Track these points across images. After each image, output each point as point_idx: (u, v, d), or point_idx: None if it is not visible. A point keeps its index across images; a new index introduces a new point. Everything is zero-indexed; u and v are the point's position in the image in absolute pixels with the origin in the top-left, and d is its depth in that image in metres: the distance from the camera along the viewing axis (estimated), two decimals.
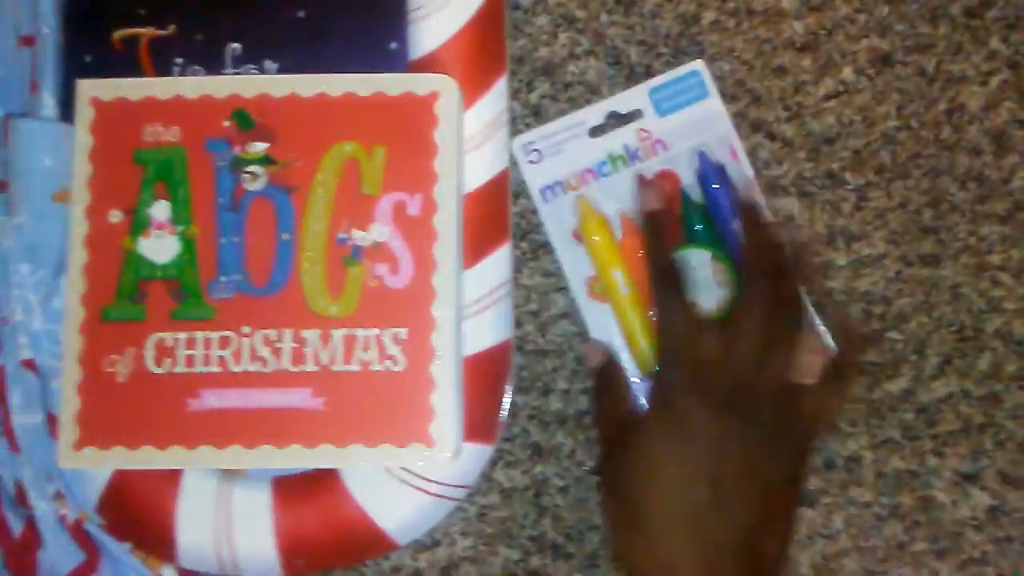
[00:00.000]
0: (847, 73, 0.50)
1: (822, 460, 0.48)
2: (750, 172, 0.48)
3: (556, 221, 0.49)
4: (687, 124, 0.49)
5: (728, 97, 0.49)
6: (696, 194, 0.48)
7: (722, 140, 0.48)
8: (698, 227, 0.47)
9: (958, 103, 0.50)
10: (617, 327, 0.48)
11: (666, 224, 0.46)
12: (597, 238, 0.47)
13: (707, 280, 0.46)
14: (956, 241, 0.49)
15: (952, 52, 0.50)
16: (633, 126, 0.49)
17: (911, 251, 0.49)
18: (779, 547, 0.42)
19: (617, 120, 0.49)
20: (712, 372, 0.42)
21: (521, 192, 0.49)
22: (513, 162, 0.49)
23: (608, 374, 0.47)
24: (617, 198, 0.49)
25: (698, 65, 0.49)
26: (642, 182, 0.48)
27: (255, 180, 0.46)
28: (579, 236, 0.48)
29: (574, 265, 0.48)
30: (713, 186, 0.47)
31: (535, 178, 0.49)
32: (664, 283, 0.45)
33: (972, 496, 0.48)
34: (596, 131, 0.49)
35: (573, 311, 0.48)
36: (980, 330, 0.49)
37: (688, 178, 0.48)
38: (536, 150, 0.49)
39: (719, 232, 0.47)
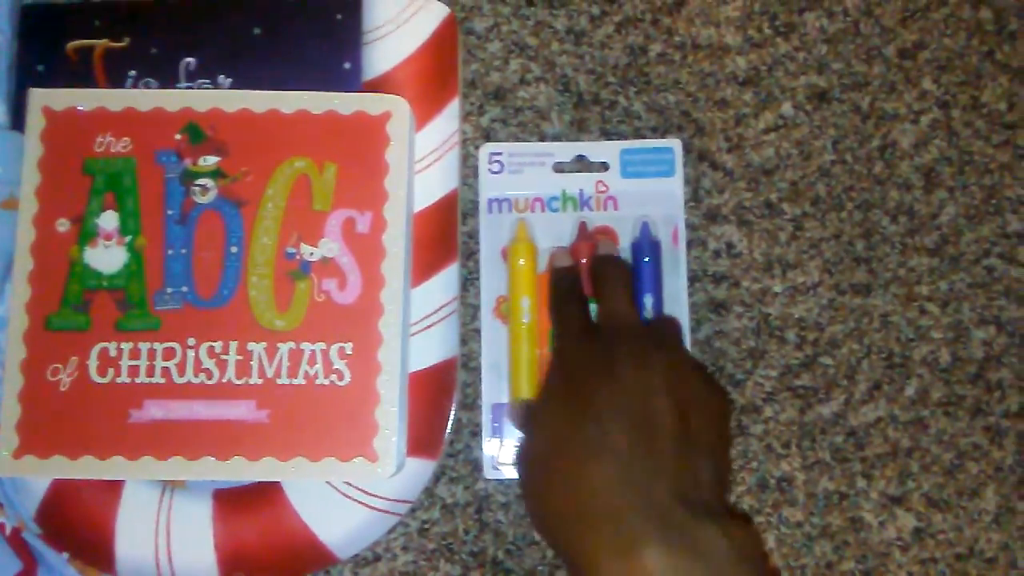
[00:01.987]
0: (786, 108, 0.52)
1: (755, 480, 0.50)
2: (684, 259, 0.50)
3: (491, 234, 0.50)
4: (644, 193, 0.50)
5: (674, 128, 0.51)
6: (626, 259, 0.50)
7: (669, 219, 0.50)
8: None
9: (890, 139, 0.52)
10: (507, 350, 0.49)
11: (572, 278, 0.48)
12: (522, 262, 0.49)
13: None
14: (886, 271, 0.51)
15: (886, 91, 0.52)
16: (595, 176, 0.50)
17: (844, 280, 0.51)
18: (713, 476, 0.41)
19: (583, 165, 0.50)
20: (593, 329, 0.45)
21: (469, 212, 0.50)
22: (465, 178, 0.50)
23: (524, 405, 0.48)
24: (555, 236, 0.50)
25: (675, 143, 0.50)
26: (582, 232, 0.50)
27: (205, 193, 0.46)
28: (506, 255, 0.50)
29: (491, 280, 0.50)
30: (644, 259, 0.49)
31: (488, 188, 0.50)
32: (567, 293, 0.47)
33: (899, 518, 0.50)
34: (560, 166, 0.50)
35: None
36: (908, 357, 0.51)
37: (625, 243, 0.50)
38: (499, 162, 0.50)
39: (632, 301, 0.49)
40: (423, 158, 0.49)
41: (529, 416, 0.44)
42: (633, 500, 0.38)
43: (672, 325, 0.47)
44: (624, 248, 0.50)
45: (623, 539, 0.37)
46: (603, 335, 0.44)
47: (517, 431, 0.48)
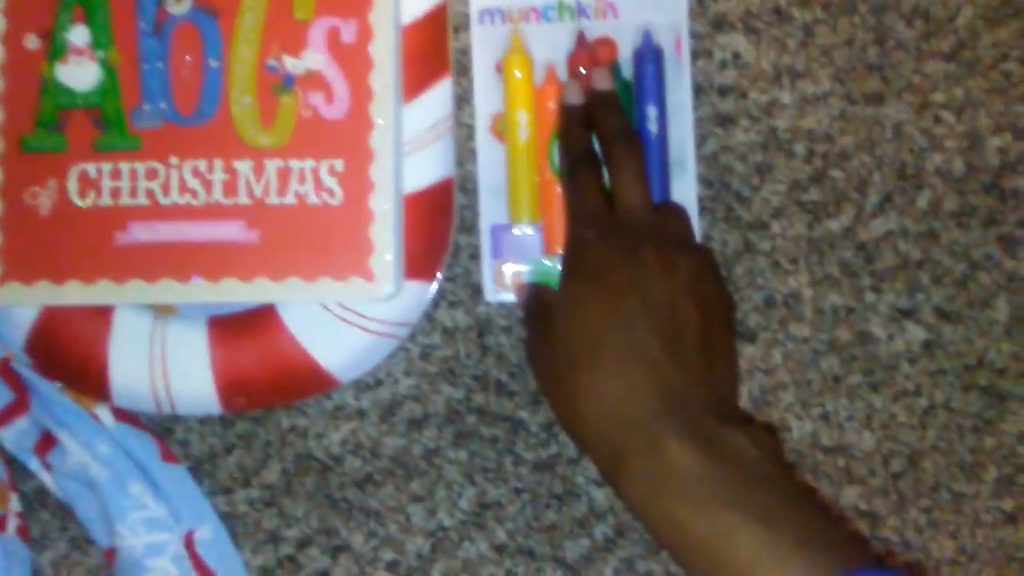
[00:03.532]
0: None
1: (762, 297, 0.48)
2: (688, 69, 0.47)
3: (484, 48, 0.47)
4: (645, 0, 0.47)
5: None
6: (628, 70, 0.47)
7: (672, 27, 0.47)
8: None
9: None
10: (505, 169, 0.47)
11: (585, 134, 0.46)
12: (518, 75, 0.46)
13: None
14: (900, 79, 0.49)
15: None
16: None
17: (855, 89, 0.49)
18: (732, 380, 0.42)
19: None
20: (612, 223, 0.43)
21: (460, 26, 0.48)
22: None
23: (532, 290, 0.46)
24: (551, 47, 0.47)
25: None
26: (580, 42, 0.47)
27: (179, 3, 0.43)
28: (500, 69, 0.47)
29: (486, 97, 0.47)
30: (646, 68, 0.46)
31: None
32: (581, 162, 0.45)
33: (908, 330, 0.49)
34: None
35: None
36: (921, 168, 0.49)
37: (626, 52, 0.47)
38: None
39: (634, 113, 0.47)
40: None
41: (548, 310, 0.43)
42: (662, 404, 0.39)
43: (684, 216, 0.46)
44: (625, 59, 0.47)
45: (652, 441, 0.38)
46: (623, 229, 0.42)
47: (520, 308, 0.47)
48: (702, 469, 0.37)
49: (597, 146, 0.45)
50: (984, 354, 0.48)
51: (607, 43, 0.48)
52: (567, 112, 0.46)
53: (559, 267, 0.44)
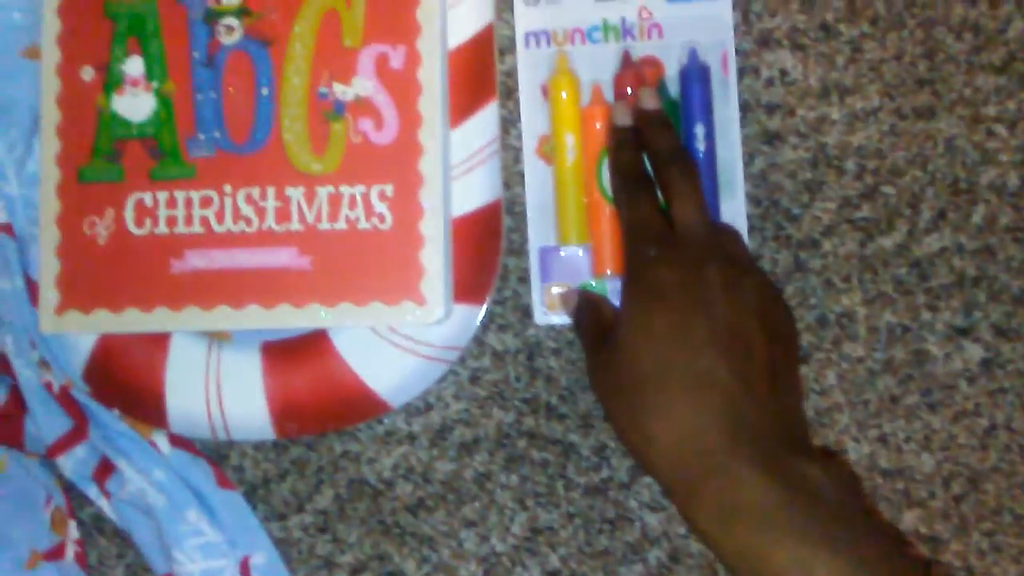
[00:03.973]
0: None
1: (814, 317, 0.48)
2: (735, 87, 0.47)
3: (530, 70, 0.48)
4: (690, 18, 0.47)
5: None
6: (674, 89, 0.47)
7: (718, 45, 0.47)
8: None
9: None
10: (552, 191, 0.47)
11: (636, 154, 0.45)
12: (564, 96, 0.46)
13: None
14: (951, 92, 0.48)
15: None
16: (637, 3, 0.47)
17: (905, 103, 0.48)
18: (800, 406, 0.42)
19: None
20: (673, 241, 0.42)
21: (506, 49, 0.48)
22: (499, 12, 0.47)
23: (586, 301, 0.46)
24: (597, 68, 0.47)
25: None
26: (625, 62, 0.47)
27: (230, 33, 0.44)
28: (546, 92, 0.47)
29: (532, 119, 0.48)
30: (692, 87, 0.46)
31: (525, 20, 0.47)
32: (635, 182, 0.44)
33: (965, 349, 0.48)
34: None
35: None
36: (974, 183, 0.48)
37: (672, 71, 0.47)
38: None
39: (682, 132, 0.47)
40: None
41: (606, 328, 0.42)
42: (735, 434, 0.38)
43: (740, 237, 0.45)
44: (671, 77, 0.47)
45: (725, 470, 0.37)
46: (684, 246, 0.42)
47: (571, 316, 0.46)
48: (778, 500, 0.36)
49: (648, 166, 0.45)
50: None
51: (653, 63, 0.48)
52: (617, 133, 0.46)
53: (608, 288, 0.44)
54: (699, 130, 0.46)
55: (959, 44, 0.48)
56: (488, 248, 0.46)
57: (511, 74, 0.48)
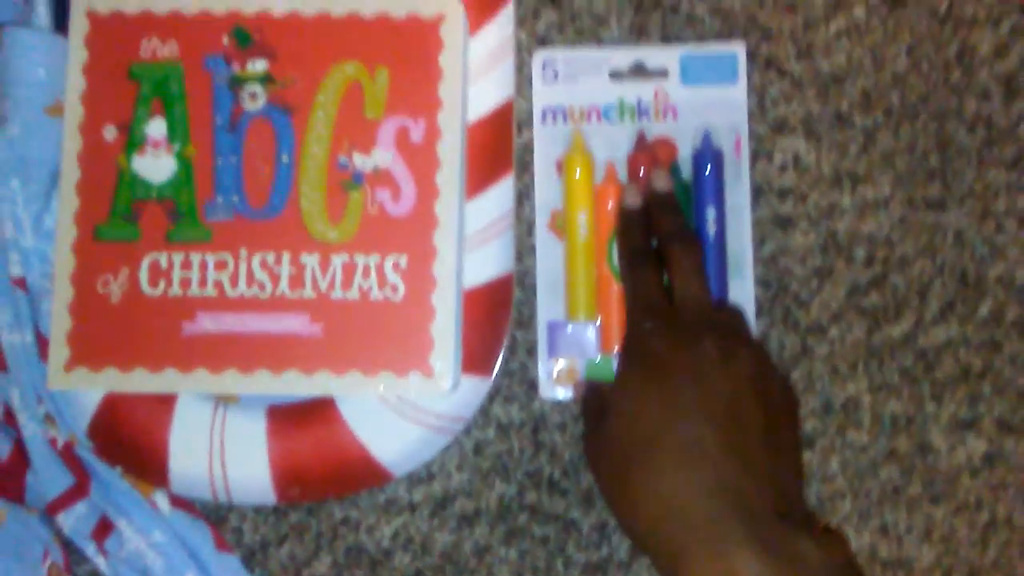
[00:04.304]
0: (858, 11, 0.49)
1: (819, 402, 0.48)
2: (747, 171, 0.48)
3: (545, 146, 0.48)
4: (705, 101, 0.48)
5: (737, 32, 0.49)
6: (686, 170, 0.48)
7: (732, 129, 0.48)
8: None
9: (968, 45, 0.49)
10: (563, 267, 0.47)
11: (643, 234, 0.46)
12: (578, 174, 0.47)
13: None
14: (962, 185, 0.49)
15: None
16: (653, 84, 0.48)
17: (916, 194, 0.49)
18: (797, 478, 0.41)
19: (640, 72, 0.48)
20: (671, 315, 0.43)
21: (522, 123, 0.49)
22: (518, 87, 0.48)
23: (592, 386, 0.46)
24: (611, 146, 0.48)
25: (738, 48, 0.48)
26: (640, 143, 0.48)
27: (254, 100, 0.44)
28: (561, 168, 0.48)
29: (546, 194, 0.48)
30: (705, 170, 0.47)
31: (542, 97, 0.48)
32: (639, 258, 0.45)
33: (968, 442, 0.48)
34: (617, 75, 0.48)
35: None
36: (982, 276, 0.49)
37: (686, 152, 0.48)
38: (554, 69, 0.48)
39: (693, 213, 0.47)
40: (476, 65, 0.47)
41: (605, 404, 0.42)
42: (725, 506, 0.37)
43: (742, 315, 0.46)
44: (685, 159, 0.48)
45: (714, 545, 0.37)
46: (682, 321, 0.42)
47: (577, 403, 0.47)
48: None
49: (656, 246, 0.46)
50: None
51: (667, 144, 0.48)
52: (626, 214, 0.46)
53: (614, 365, 0.44)
54: (710, 213, 0.47)
55: (971, 138, 0.49)
56: (498, 320, 0.47)
57: (527, 148, 0.49)
